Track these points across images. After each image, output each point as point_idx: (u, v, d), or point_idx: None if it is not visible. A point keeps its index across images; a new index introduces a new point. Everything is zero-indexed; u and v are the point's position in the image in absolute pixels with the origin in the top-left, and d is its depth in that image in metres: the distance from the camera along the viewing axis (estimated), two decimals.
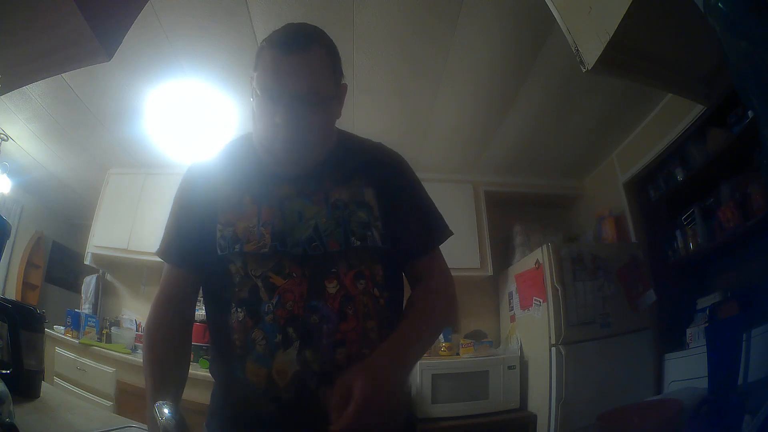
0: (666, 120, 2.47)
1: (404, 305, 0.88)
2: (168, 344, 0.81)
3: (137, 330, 3.12)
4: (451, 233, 0.93)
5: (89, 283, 3.45)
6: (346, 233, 0.80)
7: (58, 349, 2.87)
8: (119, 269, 3.43)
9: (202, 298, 0.89)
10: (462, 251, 3.07)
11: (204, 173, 0.88)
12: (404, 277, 0.93)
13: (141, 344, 3.03)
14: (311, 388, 0.73)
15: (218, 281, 0.80)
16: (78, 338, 2.85)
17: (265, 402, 0.74)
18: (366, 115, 2.62)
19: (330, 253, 0.78)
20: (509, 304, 3.03)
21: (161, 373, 0.78)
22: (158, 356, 0.80)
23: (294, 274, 0.76)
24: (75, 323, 2.94)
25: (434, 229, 0.91)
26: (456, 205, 3.20)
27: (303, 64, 0.75)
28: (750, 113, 1.86)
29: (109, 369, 2.67)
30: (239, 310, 0.76)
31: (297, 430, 0.74)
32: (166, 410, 0.59)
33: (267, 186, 0.82)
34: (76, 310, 3.16)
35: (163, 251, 0.87)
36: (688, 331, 2.18)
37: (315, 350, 0.73)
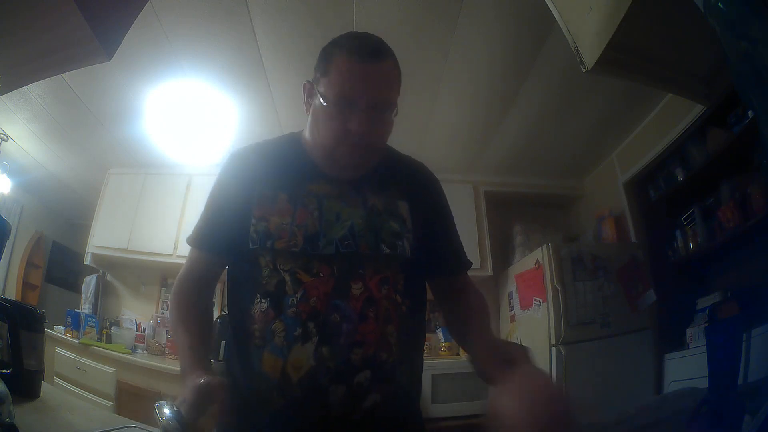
0: (666, 120, 2.47)
1: (449, 319, 0.96)
2: (195, 307, 0.86)
3: (137, 330, 3.12)
4: (471, 263, 1.01)
5: (89, 283, 3.45)
6: (377, 239, 0.82)
7: (58, 349, 2.87)
8: (119, 269, 3.43)
9: (225, 290, 0.91)
10: None
11: (244, 164, 0.89)
12: (428, 288, 0.96)
13: (142, 344, 3.03)
14: (323, 385, 0.73)
15: (246, 272, 0.82)
16: (78, 338, 2.85)
17: (278, 395, 0.75)
18: None
19: (360, 255, 0.80)
20: (509, 304, 3.03)
21: (193, 326, 0.83)
22: (188, 313, 0.85)
23: (321, 274, 0.78)
24: (75, 323, 2.94)
25: (463, 252, 0.98)
26: (456, 205, 3.15)
27: (381, 73, 0.80)
28: (750, 113, 1.86)
29: (109, 369, 2.67)
30: (263, 301, 0.78)
31: (304, 426, 0.75)
32: (166, 410, 0.59)
33: (308, 185, 0.84)
34: (76, 310, 3.16)
35: (195, 238, 0.89)
36: (688, 331, 2.18)
37: (332, 348, 0.74)
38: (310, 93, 0.85)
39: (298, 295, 0.76)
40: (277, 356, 0.75)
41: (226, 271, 0.91)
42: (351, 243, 0.80)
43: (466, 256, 0.98)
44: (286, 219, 0.81)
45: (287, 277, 0.78)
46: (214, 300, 0.94)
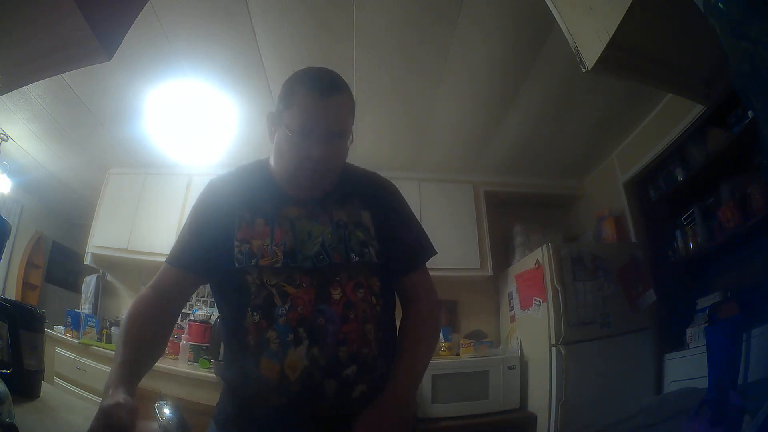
0: (666, 120, 2.47)
1: (399, 326, 0.99)
2: (148, 323, 0.86)
3: None
4: (435, 252, 1.05)
5: (89, 283, 3.45)
6: (346, 249, 0.92)
7: (58, 349, 2.87)
8: (119, 269, 3.43)
9: (214, 303, 0.97)
10: (462, 251, 3.07)
11: (222, 192, 0.98)
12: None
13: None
14: (318, 380, 0.82)
15: (235, 290, 0.89)
16: (78, 338, 2.85)
17: (278, 395, 0.82)
18: (366, 116, 2.62)
19: (334, 265, 0.90)
20: (509, 304, 3.03)
21: (135, 342, 0.83)
22: (138, 328, 0.85)
23: (304, 284, 0.87)
24: (75, 323, 2.94)
25: (420, 249, 1.04)
26: (456, 205, 3.21)
27: (338, 105, 0.89)
28: (750, 113, 1.86)
29: (109, 369, 2.67)
30: (255, 314, 0.86)
31: (305, 419, 0.83)
32: (166, 410, 0.59)
33: (280, 209, 0.94)
34: (76, 310, 3.16)
35: (174, 256, 0.94)
36: (688, 331, 2.18)
37: (321, 348, 0.84)
38: (273, 123, 0.94)
39: (287, 306, 0.85)
40: (274, 361, 0.83)
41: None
42: (324, 257, 0.90)
43: (427, 246, 1.04)
44: (266, 240, 0.90)
45: (274, 291, 0.86)
46: (173, 320, 0.95)
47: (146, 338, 0.84)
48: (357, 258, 0.91)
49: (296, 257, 0.89)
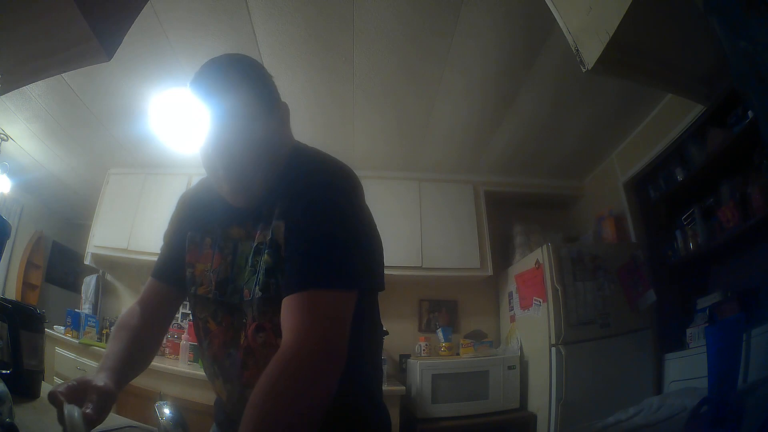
0: (666, 120, 2.47)
1: None
2: (128, 328, 0.85)
3: None
4: (356, 285, 0.70)
5: (89, 283, 3.45)
6: (256, 282, 0.76)
7: (58, 349, 2.87)
8: (119, 269, 3.44)
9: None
10: (462, 251, 3.08)
11: (181, 208, 0.95)
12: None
13: None
14: (240, 409, 0.63)
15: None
16: (78, 338, 2.85)
17: (222, 410, 0.86)
18: (366, 116, 2.62)
19: (245, 302, 0.78)
20: (509, 304, 3.03)
21: (119, 341, 0.81)
22: (121, 330, 0.85)
23: (224, 323, 0.81)
24: (75, 323, 2.94)
25: (306, 268, 0.68)
26: (456, 205, 3.21)
27: (214, 81, 0.78)
28: (750, 113, 1.86)
29: None
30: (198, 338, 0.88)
31: None
32: (166, 410, 0.59)
33: (225, 228, 0.85)
34: (76, 310, 3.16)
35: (155, 269, 0.94)
36: (688, 331, 2.18)
37: (233, 386, 0.81)
38: None
39: (206, 343, 0.84)
40: (210, 382, 0.87)
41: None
42: (240, 291, 0.79)
43: (309, 275, 0.67)
44: (208, 264, 0.84)
45: (200, 324, 0.84)
46: (159, 335, 0.94)
47: (126, 337, 0.83)
48: (260, 293, 0.74)
49: (226, 290, 0.81)
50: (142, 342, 0.85)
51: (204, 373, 0.92)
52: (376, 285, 0.80)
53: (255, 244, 0.78)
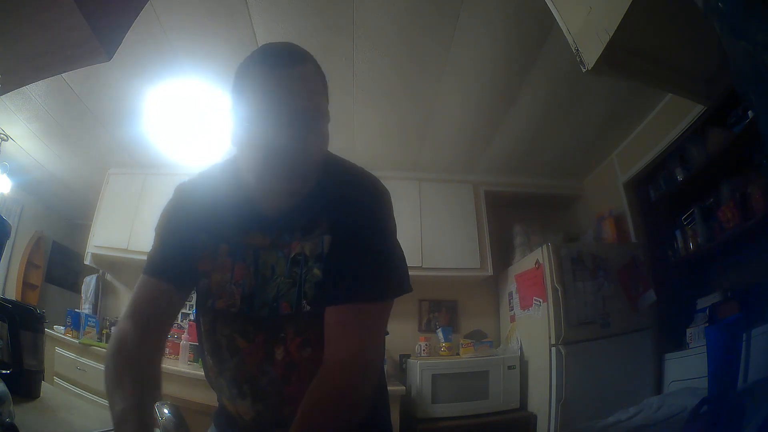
0: (666, 120, 2.47)
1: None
2: (135, 355, 0.71)
3: None
4: (397, 294, 0.77)
5: (89, 283, 3.45)
6: (299, 295, 0.74)
7: (58, 349, 2.87)
8: (119, 269, 3.44)
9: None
10: (462, 251, 3.08)
11: (189, 201, 0.83)
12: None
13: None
14: (266, 428, 0.79)
15: (198, 321, 0.85)
16: (78, 338, 2.86)
17: (238, 425, 0.82)
18: (366, 116, 2.62)
19: (282, 317, 0.75)
20: (509, 304, 3.03)
21: (129, 383, 0.66)
22: (127, 363, 0.70)
23: (256, 340, 0.77)
24: (75, 323, 2.94)
25: (358, 282, 0.72)
26: (456, 205, 3.21)
27: (301, 78, 0.70)
28: (750, 113, 1.86)
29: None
30: (209, 357, 0.82)
31: None
32: (166, 410, 0.59)
33: (244, 235, 0.78)
34: (76, 310, 3.16)
35: (148, 266, 0.81)
36: (688, 331, 2.18)
37: (265, 405, 0.78)
38: (231, 121, 0.75)
39: (235, 361, 0.78)
40: (228, 402, 0.82)
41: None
42: (276, 306, 0.75)
43: (384, 284, 0.74)
44: (226, 275, 0.78)
45: (224, 342, 0.78)
46: (160, 347, 0.79)
47: (138, 373, 0.68)
48: (308, 307, 0.73)
49: (253, 303, 0.76)
50: (151, 373, 0.71)
51: (203, 375, 0.90)
52: (407, 289, 0.82)
53: (293, 255, 0.76)
